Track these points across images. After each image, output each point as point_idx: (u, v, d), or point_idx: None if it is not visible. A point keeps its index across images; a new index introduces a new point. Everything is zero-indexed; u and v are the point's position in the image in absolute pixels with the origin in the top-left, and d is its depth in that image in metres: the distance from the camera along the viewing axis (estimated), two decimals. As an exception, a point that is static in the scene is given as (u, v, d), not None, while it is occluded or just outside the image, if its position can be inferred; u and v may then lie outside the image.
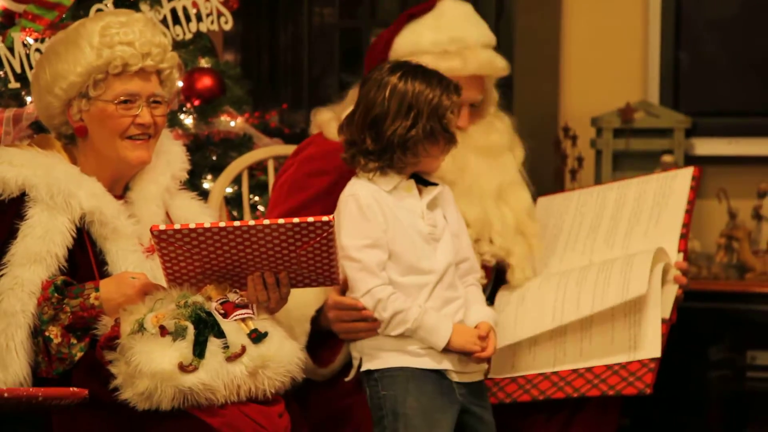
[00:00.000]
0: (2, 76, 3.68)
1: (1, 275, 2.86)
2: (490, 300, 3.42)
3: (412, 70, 3.16)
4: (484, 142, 3.49)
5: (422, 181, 3.21)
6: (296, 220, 2.81)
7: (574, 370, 3.28)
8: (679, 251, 3.37)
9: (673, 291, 3.31)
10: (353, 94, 3.36)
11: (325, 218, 2.83)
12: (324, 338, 3.27)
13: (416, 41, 3.45)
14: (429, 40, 3.44)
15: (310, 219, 2.81)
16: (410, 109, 3.11)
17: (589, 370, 3.27)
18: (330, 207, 3.18)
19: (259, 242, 2.83)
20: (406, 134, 3.10)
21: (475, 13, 3.57)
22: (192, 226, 2.79)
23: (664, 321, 3.26)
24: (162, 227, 2.79)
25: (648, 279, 3.22)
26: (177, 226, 2.80)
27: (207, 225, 2.80)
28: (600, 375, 3.24)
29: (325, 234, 2.84)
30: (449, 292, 3.18)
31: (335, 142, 3.29)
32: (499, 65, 3.51)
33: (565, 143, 4.93)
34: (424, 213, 3.18)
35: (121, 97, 2.96)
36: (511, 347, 3.33)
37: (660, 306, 3.25)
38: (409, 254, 3.14)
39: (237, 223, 2.80)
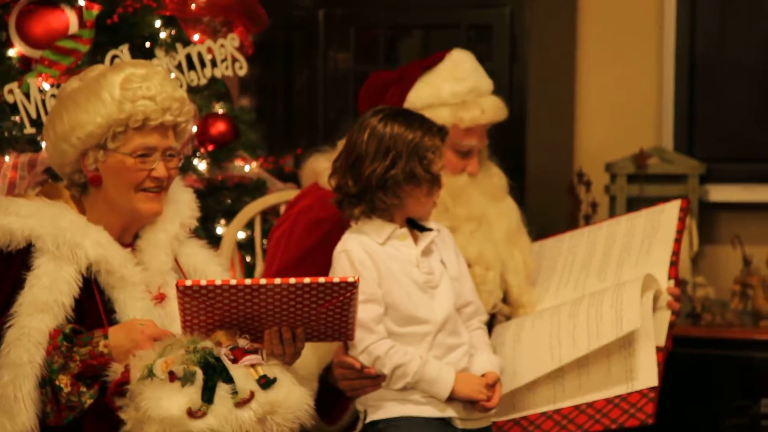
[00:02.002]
0: (18, 121, 3.70)
1: (9, 326, 2.86)
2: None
3: (393, 113, 3.18)
4: (489, 186, 3.54)
5: (419, 227, 3.21)
6: (322, 279, 2.82)
7: (576, 407, 3.29)
8: (669, 278, 3.39)
9: (666, 317, 3.33)
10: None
11: (350, 279, 2.84)
12: (332, 395, 3.29)
13: (435, 93, 3.51)
14: (449, 91, 3.52)
15: (336, 279, 2.83)
16: (388, 150, 3.12)
17: (590, 405, 3.28)
18: (329, 256, 3.20)
19: (281, 300, 2.84)
20: (384, 175, 3.11)
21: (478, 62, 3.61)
22: (218, 282, 2.80)
23: (659, 349, 3.28)
24: (188, 283, 2.80)
25: (639, 312, 3.24)
26: (203, 282, 2.80)
27: (233, 282, 2.81)
28: (601, 409, 3.25)
29: (348, 294, 2.85)
30: (452, 339, 3.17)
31: (330, 190, 3.30)
32: (505, 110, 3.61)
33: (579, 189, 4.93)
34: (419, 261, 3.17)
35: (139, 151, 2.97)
36: (511, 391, 3.34)
37: (653, 335, 3.27)
38: (406, 305, 3.13)
39: (263, 281, 2.81)
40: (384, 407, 3.14)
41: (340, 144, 3.36)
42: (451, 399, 3.12)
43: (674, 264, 3.41)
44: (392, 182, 3.11)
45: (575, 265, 3.56)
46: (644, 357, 3.25)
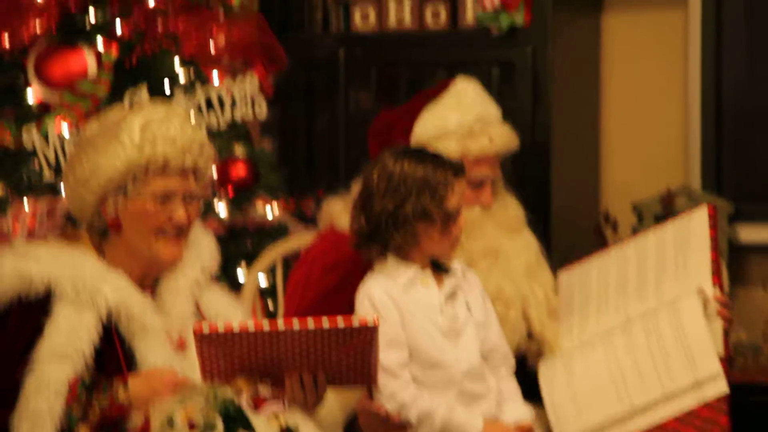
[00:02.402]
0: (37, 167, 3.68)
1: (28, 374, 2.83)
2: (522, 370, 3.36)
3: (405, 151, 3.16)
4: (506, 219, 3.48)
5: (442, 269, 3.16)
6: (341, 322, 2.79)
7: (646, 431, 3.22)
8: (714, 285, 3.33)
9: (718, 326, 3.27)
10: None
11: (370, 321, 2.81)
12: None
13: (441, 124, 3.48)
14: (454, 121, 3.48)
15: (356, 322, 2.81)
16: (399, 187, 3.08)
17: (660, 427, 3.21)
18: (348, 300, 3.16)
19: (301, 344, 2.81)
20: (395, 211, 3.07)
21: (483, 90, 3.57)
22: (236, 328, 2.78)
23: (720, 359, 3.21)
24: (206, 329, 2.78)
25: (714, 353, 3.18)
26: (221, 329, 2.78)
27: (251, 328, 2.78)
28: (674, 429, 3.19)
29: (368, 337, 2.83)
30: (478, 386, 3.12)
31: (346, 233, 3.26)
32: (515, 138, 3.56)
33: (606, 229, 4.89)
34: (443, 307, 3.12)
35: (160, 195, 2.94)
36: (578, 416, 3.28)
37: (713, 343, 3.21)
38: (430, 350, 3.09)
39: (282, 326, 2.78)
40: (411, 453, 3.09)
41: (356, 186, 3.33)
42: (479, 448, 3.07)
43: (716, 272, 3.35)
44: (403, 219, 3.07)
45: (610, 289, 3.50)
46: (708, 366, 3.20)
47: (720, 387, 3.17)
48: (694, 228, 3.44)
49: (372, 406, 3.08)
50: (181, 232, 2.99)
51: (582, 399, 3.29)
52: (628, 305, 3.44)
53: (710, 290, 3.32)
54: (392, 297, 3.09)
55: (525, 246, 3.52)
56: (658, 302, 3.39)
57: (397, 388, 3.05)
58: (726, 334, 3.30)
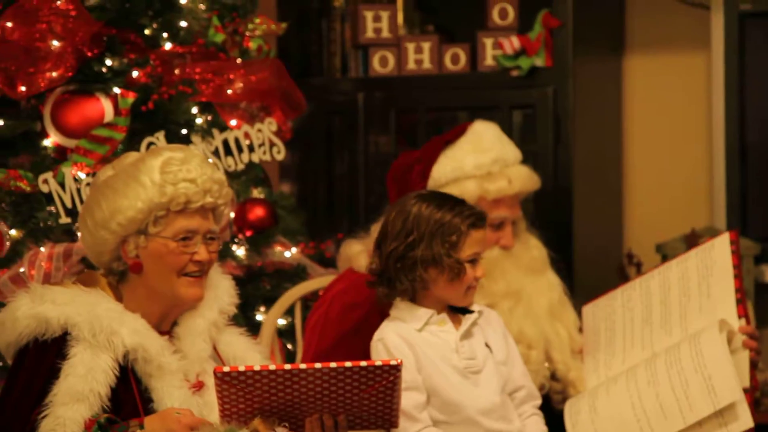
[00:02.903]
0: (53, 211, 3.68)
1: (44, 416, 2.82)
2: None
3: (428, 195, 3.13)
4: (528, 260, 3.46)
5: (461, 310, 3.12)
6: (364, 363, 2.77)
7: None
8: (739, 317, 3.28)
9: (744, 358, 3.23)
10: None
11: (393, 362, 2.79)
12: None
13: (458, 167, 3.48)
14: (472, 163, 3.47)
15: (378, 363, 2.78)
16: (411, 230, 3.05)
17: None
18: (365, 342, 3.14)
19: (322, 384, 2.79)
20: (404, 254, 3.04)
21: (501, 131, 3.55)
22: (257, 368, 2.76)
23: (745, 390, 3.17)
24: (226, 369, 2.77)
25: (734, 379, 3.13)
26: (242, 368, 2.77)
27: (272, 367, 2.77)
28: None
29: (391, 378, 2.80)
30: (501, 426, 3.08)
31: (364, 274, 3.24)
32: (536, 179, 3.56)
33: (629, 270, 4.85)
34: (458, 346, 3.08)
35: (181, 235, 2.94)
36: None
37: (738, 378, 3.15)
38: (448, 392, 3.05)
39: (303, 366, 2.76)
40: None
41: (374, 228, 3.31)
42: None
43: (741, 301, 3.31)
44: (411, 263, 3.03)
45: (636, 321, 3.46)
46: (734, 401, 3.14)
47: (744, 422, 3.12)
48: (717, 255, 3.41)
49: None
50: (202, 272, 2.99)
51: (602, 427, 3.24)
52: (654, 339, 3.41)
53: (735, 322, 3.27)
54: (406, 340, 3.06)
55: (548, 287, 3.49)
56: (682, 334, 3.34)
57: None
58: (753, 365, 3.25)
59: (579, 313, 3.58)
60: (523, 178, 3.50)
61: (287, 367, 2.77)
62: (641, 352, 3.41)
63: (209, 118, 4.05)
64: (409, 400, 3.00)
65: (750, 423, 3.12)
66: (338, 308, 3.42)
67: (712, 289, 3.36)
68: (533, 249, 3.53)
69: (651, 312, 3.45)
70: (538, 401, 3.22)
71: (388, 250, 3.06)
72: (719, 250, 3.40)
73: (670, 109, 5.08)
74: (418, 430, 3.02)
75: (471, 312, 3.13)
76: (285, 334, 4.03)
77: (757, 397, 4.47)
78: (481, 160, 3.47)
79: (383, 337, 3.08)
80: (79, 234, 3.64)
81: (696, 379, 3.17)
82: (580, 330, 3.54)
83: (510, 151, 3.54)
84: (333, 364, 2.76)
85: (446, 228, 3.04)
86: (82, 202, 3.63)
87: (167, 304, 2.99)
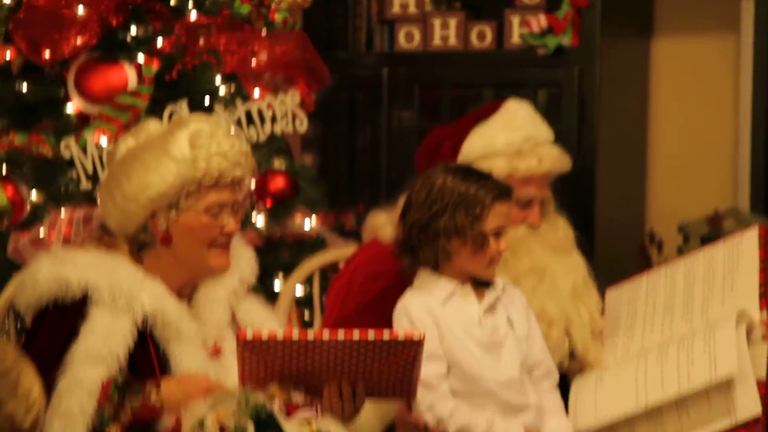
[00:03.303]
0: (75, 177, 3.69)
1: (62, 376, 2.83)
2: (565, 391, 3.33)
3: (455, 168, 3.13)
4: (554, 239, 3.46)
5: (484, 283, 3.12)
6: (387, 336, 2.77)
7: None
8: (761, 309, 3.27)
9: (763, 350, 3.21)
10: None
11: (416, 337, 2.79)
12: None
13: (489, 144, 3.46)
14: (503, 141, 3.45)
15: (401, 337, 2.78)
16: (436, 200, 3.04)
17: None
18: (387, 312, 3.13)
19: (343, 355, 2.79)
20: (427, 224, 3.03)
21: (535, 111, 3.55)
22: (280, 336, 2.77)
23: (760, 382, 3.15)
24: (249, 336, 2.77)
25: (735, 355, 3.12)
26: (265, 336, 2.77)
27: (295, 336, 2.77)
28: None
29: (412, 352, 2.80)
30: (519, 400, 3.07)
31: (389, 245, 3.23)
32: (566, 160, 3.53)
33: (651, 250, 4.84)
34: (482, 319, 3.08)
35: (213, 209, 2.95)
36: None
37: (751, 367, 3.14)
38: (469, 364, 3.04)
39: (326, 336, 2.77)
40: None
41: (400, 201, 3.30)
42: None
43: (764, 295, 3.29)
44: (434, 233, 3.03)
45: (657, 309, 3.45)
46: (745, 390, 3.13)
47: (752, 410, 3.11)
48: (744, 249, 3.40)
49: (411, 417, 3.04)
50: (230, 242, 3.00)
51: (602, 397, 3.24)
52: (673, 326, 3.40)
53: (757, 314, 3.26)
54: (430, 311, 3.05)
55: (573, 267, 3.48)
56: (703, 324, 3.34)
57: (435, 401, 3.02)
58: None
59: (602, 295, 3.58)
60: (554, 158, 3.47)
61: (310, 336, 2.77)
62: (659, 337, 3.41)
63: (233, 88, 4.06)
64: (430, 369, 2.99)
65: (758, 411, 3.11)
66: (361, 278, 3.42)
67: (736, 282, 3.35)
68: (560, 229, 3.52)
69: (674, 301, 3.45)
70: (556, 378, 3.22)
71: (412, 220, 3.06)
72: (747, 244, 3.40)
73: (696, 91, 5.06)
74: (438, 400, 3.02)
75: (494, 287, 3.13)
76: (302, 303, 4.04)
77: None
78: (512, 138, 3.46)
79: (407, 307, 3.07)
80: (99, 202, 3.67)
81: (702, 357, 3.17)
82: (603, 313, 3.54)
83: (542, 130, 3.53)
84: (356, 335, 2.76)
85: (470, 200, 3.03)
86: (103, 168, 3.64)
87: (194, 273, 3.01)
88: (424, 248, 3.05)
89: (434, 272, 3.09)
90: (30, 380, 2.43)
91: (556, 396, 3.19)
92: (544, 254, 3.43)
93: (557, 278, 3.43)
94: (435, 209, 3.04)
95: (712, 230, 4.74)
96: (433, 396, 3.01)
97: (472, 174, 3.09)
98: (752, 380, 3.14)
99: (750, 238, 3.41)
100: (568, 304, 3.42)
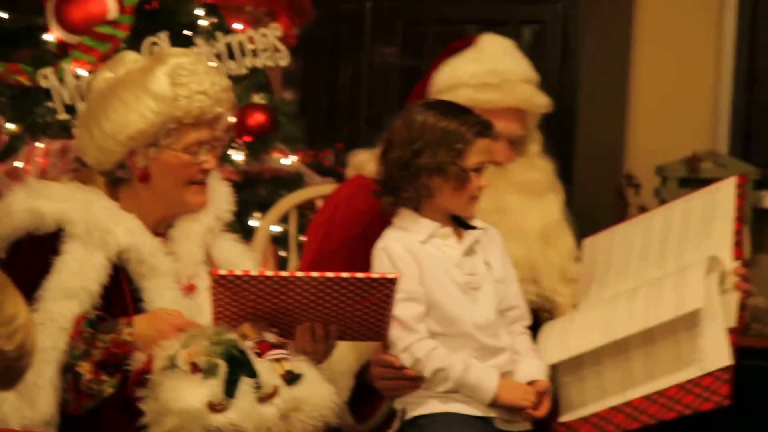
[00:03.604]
0: (52, 107, 3.67)
1: (34, 310, 2.82)
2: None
3: (434, 103, 3.09)
4: (524, 180, 3.40)
5: (464, 225, 3.12)
6: (361, 275, 2.77)
7: (647, 397, 3.17)
8: (735, 259, 3.26)
9: (734, 299, 3.20)
10: None
11: (390, 275, 2.79)
12: (365, 393, 3.21)
13: (455, 74, 3.40)
14: (468, 72, 3.39)
15: (375, 275, 2.78)
16: (416, 138, 3.02)
17: (661, 394, 3.15)
18: (366, 249, 3.11)
19: (317, 294, 2.79)
20: (408, 162, 3.02)
21: (517, 49, 3.50)
22: (253, 273, 2.77)
23: (731, 330, 3.15)
24: (223, 272, 2.77)
25: (702, 291, 3.13)
26: (238, 272, 2.76)
27: (269, 273, 2.77)
28: (674, 396, 3.13)
29: (387, 291, 2.80)
30: (493, 342, 3.08)
31: (371, 181, 3.22)
32: (539, 101, 3.43)
33: (628, 191, 4.84)
34: (461, 261, 3.08)
35: (193, 147, 2.94)
36: (577, 385, 3.24)
37: (722, 315, 3.14)
38: (447, 305, 3.04)
39: (300, 274, 2.77)
40: (424, 403, 3.05)
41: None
42: (494, 404, 3.04)
43: (738, 244, 3.28)
44: (416, 171, 3.02)
45: (632, 257, 3.44)
46: (714, 338, 3.13)
47: (722, 359, 3.11)
48: (722, 197, 3.37)
49: (387, 358, 3.05)
50: (206, 179, 2.99)
51: (571, 334, 3.25)
52: (647, 273, 3.40)
53: (730, 262, 3.27)
54: (410, 251, 3.04)
55: (543, 211, 3.42)
56: (676, 269, 3.35)
57: (412, 343, 3.02)
58: (742, 307, 3.23)
59: (578, 239, 3.56)
60: (520, 95, 3.38)
61: (283, 273, 2.77)
62: (632, 283, 3.42)
63: (214, 20, 4.02)
64: (409, 310, 3.00)
65: (728, 360, 3.10)
66: (344, 213, 3.40)
67: (712, 229, 3.33)
68: (536, 171, 3.45)
69: (649, 248, 3.44)
70: (528, 322, 3.22)
71: (392, 158, 3.05)
72: (725, 193, 3.38)
73: (679, 32, 5.04)
74: (415, 340, 3.02)
75: (475, 228, 3.14)
76: (279, 241, 4.02)
77: (747, 322, 4.49)
78: (477, 70, 3.40)
79: (387, 247, 3.06)
80: (76, 137, 3.65)
81: (669, 294, 3.17)
82: (579, 260, 3.53)
83: (515, 66, 3.45)
84: (329, 274, 2.76)
85: (452, 136, 3.02)
86: (82, 99, 3.62)
87: (170, 210, 3.00)
88: (405, 186, 3.04)
89: (415, 212, 3.09)
90: (15, 306, 2.42)
91: (529, 340, 3.20)
92: (509, 193, 3.37)
93: (523, 219, 3.37)
94: (416, 146, 3.02)
95: (690, 172, 4.75)
96: (411, 337, 3.01)
97: (452, 110, 3.06)
98: (723, 329, 3.14)
99: (728, 186, 3.39)
100: (534, 247, 3.38)
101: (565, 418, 3.23)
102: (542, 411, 3.07)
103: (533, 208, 3.40)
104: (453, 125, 3.02)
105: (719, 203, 3.37)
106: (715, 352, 3.12)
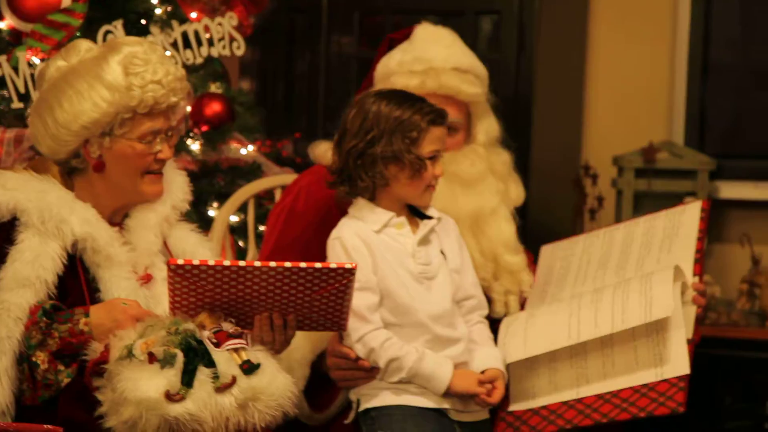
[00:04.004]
0: (6, 95, 3.64)
1: None
2: None
3: (387, 93, 3.10)
4: (455, 169, 3.39)
5: (420, 215, 3.12)
6: (319, 264, 2.77)
7: (600, 396, 3.19)
8: (694, 275, 3.30)
9: (692, 312, 3.24)
10: None
11: (348, 265, 2.79)
12: (322, 383, 3.22)
13: (388, 64, 3.45)
14: (396, 60, 3.43)
15: (333, 265, 2.78)
16: (371, 128, 3.03)
17: (615, 395, 3.17)
18: (325, 238, 3.12)
19: (275, 283, 2.79)
20: (364, 151, 3.03)
21: (453, 37, 3.52)
22: (211, 262, 2.76)
23: (688, 341, 3.17)
24: (180, 261, 2.76)
25: (671, 300, 3.14)
26: (195, 262, 2.76)
27: (226, 263, 2.76)
28: (627, 398, 3.15)
29: (345, 281, 2.80)
30: (449, 332, 3.09)
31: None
32: (466, 89, 3.42)
33: (585, 182, 4.86)
34: (415, 251, 3.08)
35: (147, 137, 2.92)
36: (530, 378, 3.25)
37: (683, 323, 3.17)
38: (402, 295, 3.05)
39: (257, 263, 2.76)
40: (378, 395, 3.06)
41: None
42: (448, 394, 3.04)
43: (699, 261, 3.32)
44: (372, 160, 3.02)
45: (591, 265, 3.47)
46: (674, 345, 3.15)
47: (680, 367, 3.13)
48: (686, 219, 3.41)
49: (342, 348, 3.05)
50: (162, 168, 2.98)
51: (533, 333, 3.26)
52: (606, 279, 3.41)
53: (690, 277, 3.29)
54: (364, 240, 3.05)
55: (477, 196, 3.42)
56: (636, 276, 3.36)
57: (366, 333, 3.02)
58: (699, 321, 3.26)
59: (535, 229, 3.57)
60: (442, 82, 3.38)
61: (241, 263, 2.76)
62: (591, 288, 3.42)
63: (169, 8, 4.00)
64: (362, 300, 3.00)
65: (686, 369, 3.12)
66: (305, 201, 3.40)
67: (673, 246, 3.37)
68: (465, 161, 3.43)
69: (609, 258, 3.46)
70: (486, 311, 3.23)
71: (347, 147, 3.05)
72: (689, 214, 3.42)
73: (635, 23, 5.05)
74: (369, 330, 3.03)
75: (430, 218, 3.13)
76: (237, 231, 4.02)
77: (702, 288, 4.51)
78: (403, 58, 3.43)
79: (341, 236, 3.07)
80: (30, 126, 3.62)
81: (637, 298, 3.18)
82: (516, 251, 3.50)
83: (443, 54, 3.42)
84: (287, 264, 2.76)
85: (406, 124, 3.02)
86: (35, 87, 3.58)
87: (126, 200, 2.99)
88: (361, 175, 3.05)
89: (370, 202, 3.09)
90: None
91: (486, 329, 3.21)
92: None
93: (456, 205, 3.34)
94: (371, 135, 3.03)
95: (647, 162, 4.77)
96: (365, 328, 3.02)
97: (406, 99, 3.07)
98: (683, 338, 3.16)
99: (693, 208, 3.42)
100: (464, 234, 3.36)
101: (514, 407, 3.24)
102: (495, 397, 3.08)
103: (464, 196, 3.40)
104: (407, 113, 3.03)
105: (683, 223, 3.40)
106: (675, 360, 3.14)
